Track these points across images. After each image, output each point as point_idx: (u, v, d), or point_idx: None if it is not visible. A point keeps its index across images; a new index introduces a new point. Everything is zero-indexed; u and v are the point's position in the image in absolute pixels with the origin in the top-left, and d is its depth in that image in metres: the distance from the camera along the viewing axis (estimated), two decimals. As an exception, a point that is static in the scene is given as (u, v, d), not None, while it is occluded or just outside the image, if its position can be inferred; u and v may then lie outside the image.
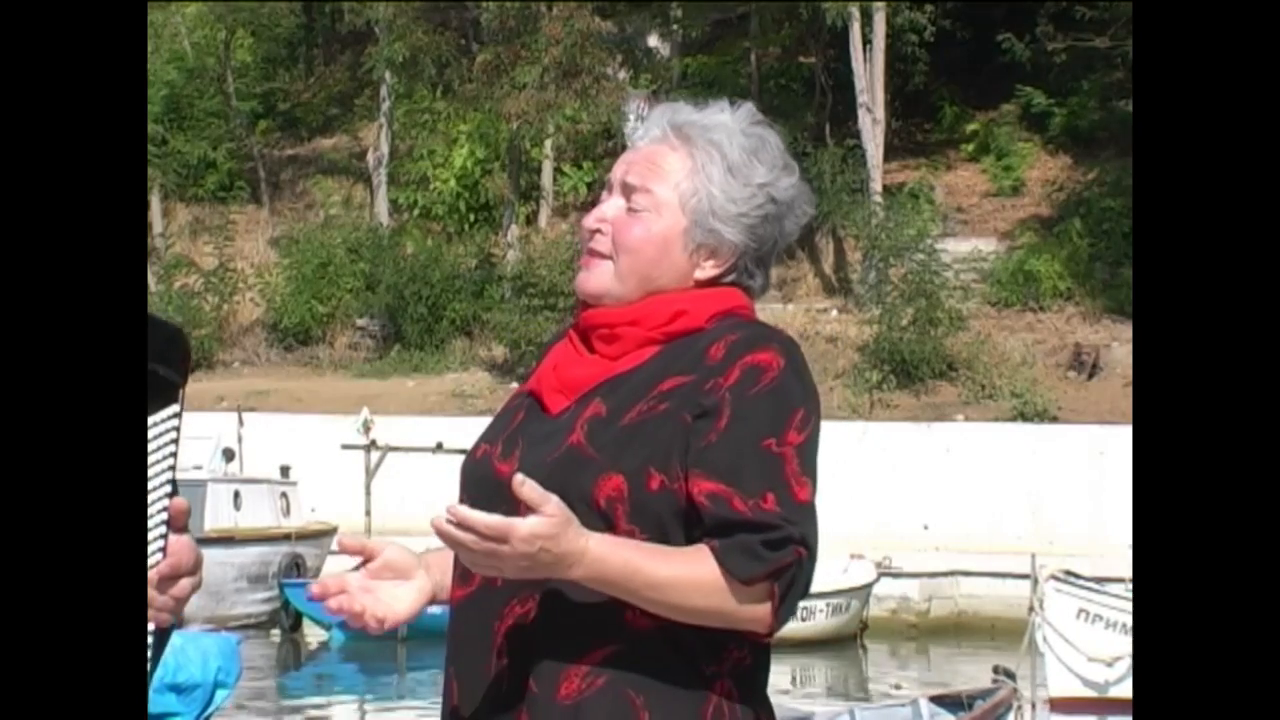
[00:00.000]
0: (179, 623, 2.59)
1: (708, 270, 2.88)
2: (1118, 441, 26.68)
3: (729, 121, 2.90)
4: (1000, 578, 27.04)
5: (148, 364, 2.44)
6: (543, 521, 2.59)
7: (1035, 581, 17.63)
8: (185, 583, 2.56)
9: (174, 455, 2.52)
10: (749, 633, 2.75)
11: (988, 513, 28.91)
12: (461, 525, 2.58)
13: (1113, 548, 24.55)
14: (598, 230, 2.88)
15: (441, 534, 2.60)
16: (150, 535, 2.51)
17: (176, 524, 2.54)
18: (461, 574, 2.79)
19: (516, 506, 2.62)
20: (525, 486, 2.59)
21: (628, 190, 2.88)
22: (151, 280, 37.40)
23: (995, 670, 16.75)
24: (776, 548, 2.67)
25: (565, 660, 2.73)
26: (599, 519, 2.71)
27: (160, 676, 11.75)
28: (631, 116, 35.97)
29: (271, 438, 29.93)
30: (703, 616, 2.70)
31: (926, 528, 28.73)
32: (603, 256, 2.88)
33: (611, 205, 2.89)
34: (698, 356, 2.78)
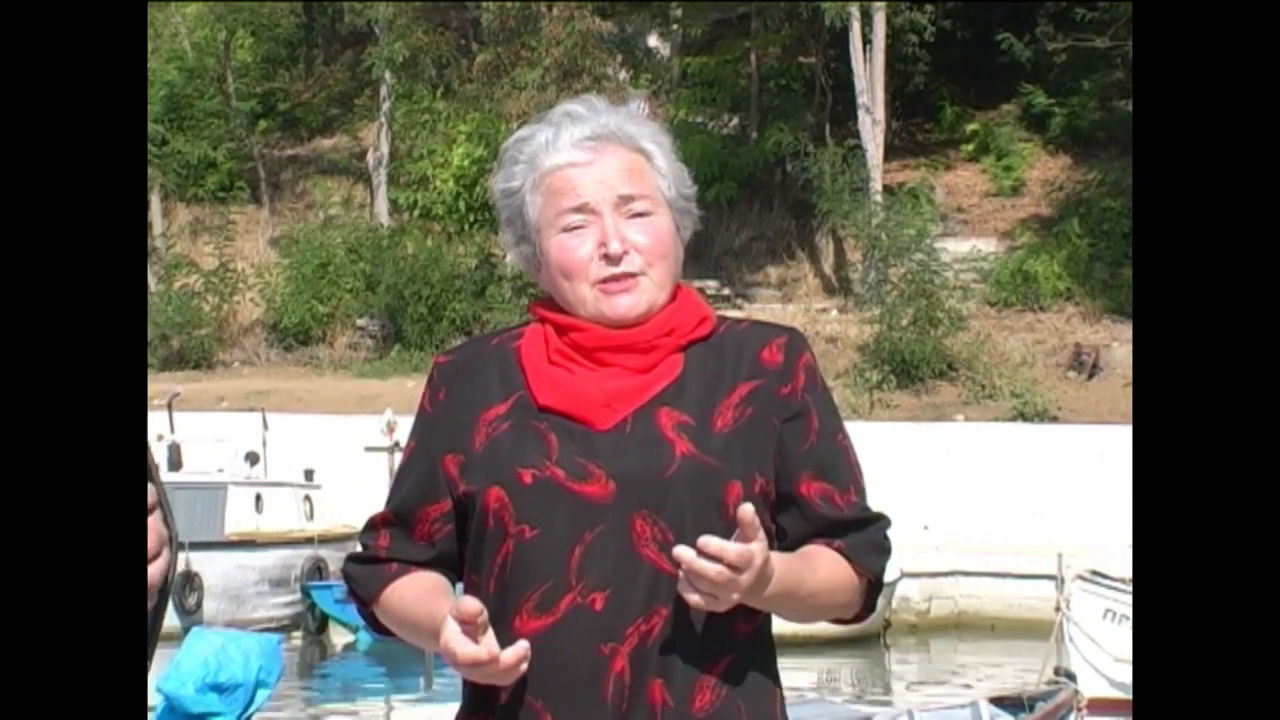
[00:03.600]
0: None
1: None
2: (1118, 441, 26.66)
3: (641, 115, 2.94)
4: (1000, 577, 27.02)
5: None
6: (763, 544, 2.64)
7: (1061, 582, 17.34)
8: (153, 568, 2.54)
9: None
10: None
11: (988, 513, 28.90)
12: (707, 556, 2.59)
13: (1112, 548, 24.53)
14: (625, 252, 2.82)
15: (690, 567, 2.60)
16: None
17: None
18: (539, 604, 2.72)
19: (614, 529, 2.69)
20: (751, 513, 2.61)
21: (624, 201, 2.83)
22: (151, 280, 37.40)
23: (1056, 671, 16.52)
24: (888, 538, 2.84)
25: (698, 673, 2.74)
26: (725, 530, 2.74)
27: (202, 676, 11.67)
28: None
29: (289, 439, 29.79)
30: (829, 612, 2.84)
31: (926, 528, 28.69)
32: (635, 275, 2.82)
33: (616, 224, 2.82)
34: (751, 361, 2.83)
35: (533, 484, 2.74)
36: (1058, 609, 17.08)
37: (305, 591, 26.35)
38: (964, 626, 27.45)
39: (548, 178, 2.85)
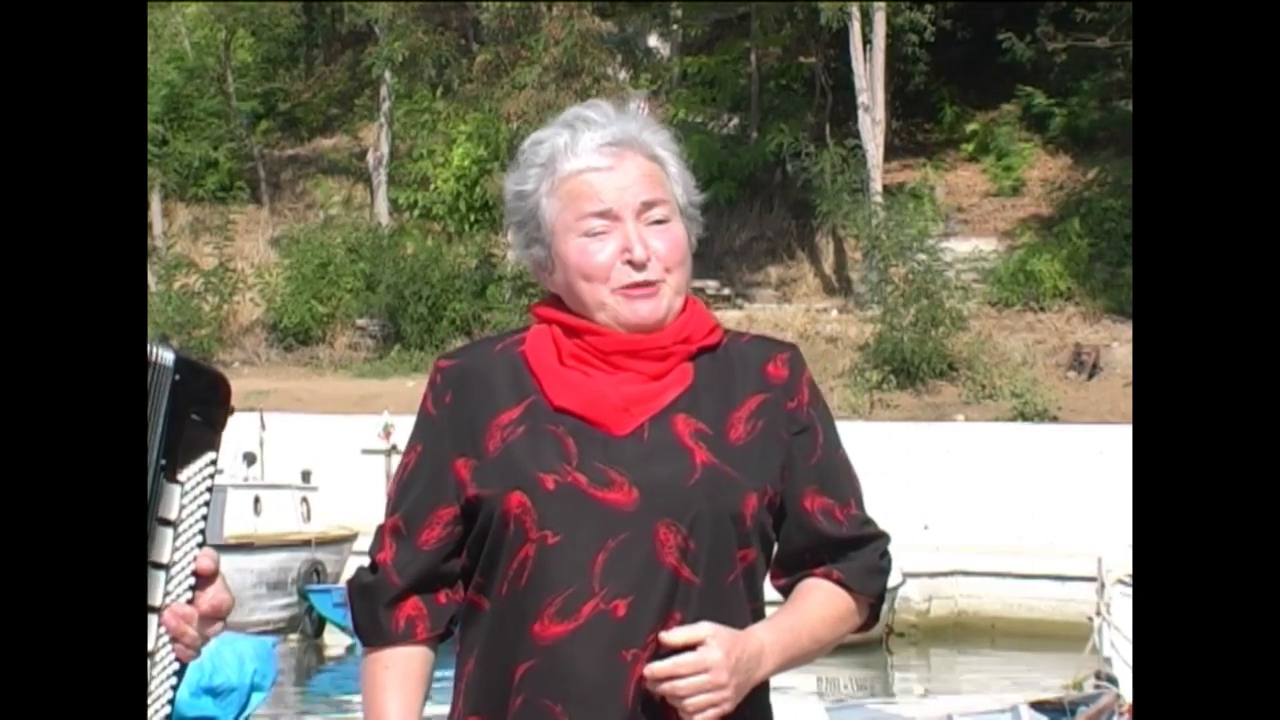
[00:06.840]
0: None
1: None
2: (1118, 441, 26.65)
3: (652, 122, 2.92)
4: (1000, 577, 27.01)
5: (188, 411, 2.45)
6: (718, 630, 2.67)
7: (1102, 585, 17.15)
8: (219, 625, 2.58)
9: (207, 504, 2.52)
10: None
11: (988, 513, 28.90)
12: (666, 678, 2.65)
13: (1112, 548, 24.49)
14: (648, 259, 2.81)
15: (663, 692, 2.66)
16: (177, 580, 2.51)
17: (203, 575, 2.54)
18: (560, 610, 2.72)
19: (637, 537, 2.70)
20: (678, 635, 2.66)
21: (645, 208, 2.83)
22: (151, 280, 37.39)
23: (1098, 676, 16.40)
24: (886, 556, 2.86)
25: None
26: (740, 540, 2.76)
27: (196, 680, 11.73)
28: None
29: (287, 439, 29.73)
30: (838, 642, 2.88)
31: (926, 528, 28.68)
32: (656, 282, 2.82)
33: (638, 231, 2.82)
34: (757, 375, 2.85)
35: (555, 490, 2.74)
36: (1098, 613, 16.89)
37: (304, 594, 26.33)
38: (964, 627, 27.45)
39: (567, 182, 2.84)
